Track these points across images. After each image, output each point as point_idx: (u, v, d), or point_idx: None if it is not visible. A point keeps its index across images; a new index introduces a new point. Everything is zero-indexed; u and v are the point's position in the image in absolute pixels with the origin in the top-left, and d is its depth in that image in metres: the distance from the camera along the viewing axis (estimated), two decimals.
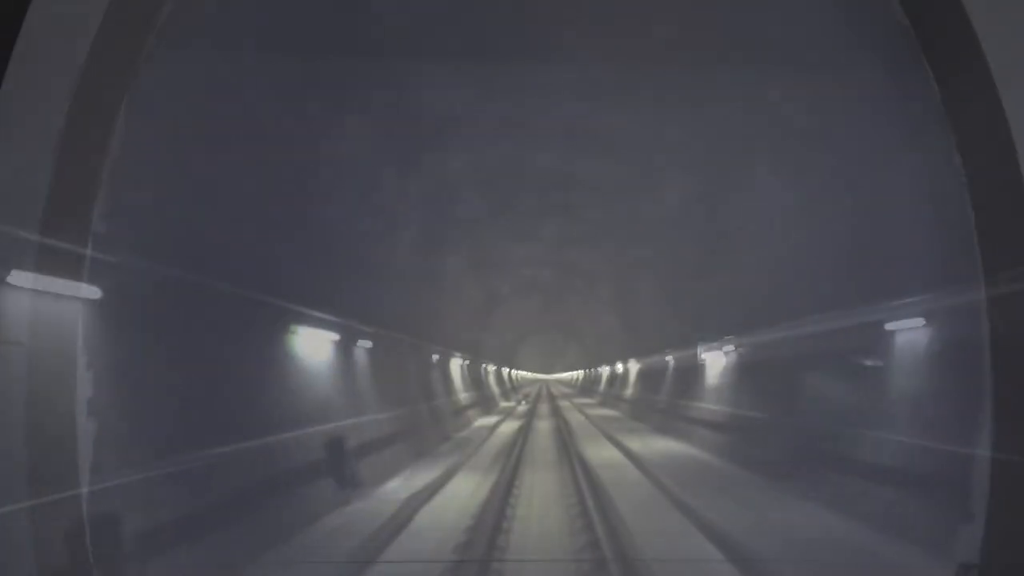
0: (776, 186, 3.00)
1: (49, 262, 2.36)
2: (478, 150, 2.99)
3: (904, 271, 2.77)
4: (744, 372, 4.07)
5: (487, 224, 3.50)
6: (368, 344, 4.42)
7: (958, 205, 2.73)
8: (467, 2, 2.61)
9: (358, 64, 2.68)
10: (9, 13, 2.15)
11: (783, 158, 2.91)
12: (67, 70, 2.31)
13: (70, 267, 2.48)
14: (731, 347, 4.98)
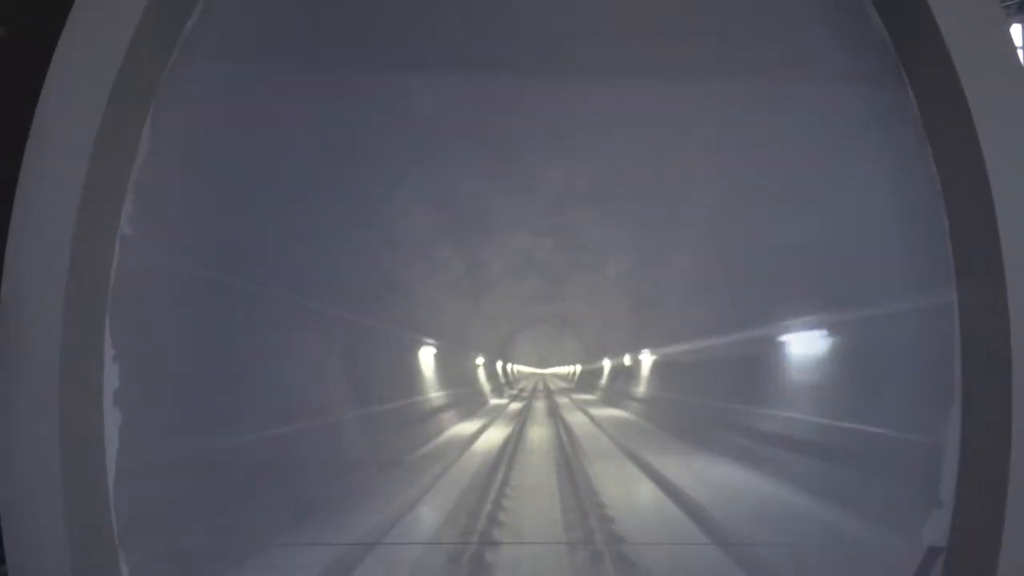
0: (764, 190, 3.17)
1: (82, 261, 2.55)
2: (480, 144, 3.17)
3: (878, 274, 2.95)
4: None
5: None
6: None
7: (935, 213, 2.91)
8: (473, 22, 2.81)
9: (369, 78, 2.85)
10: (47, 36, 2.34)
11: (770, 165, 3.08)
12: (98, 87, 2.50)
13: (101, 266, 2.68)
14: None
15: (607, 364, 3.52)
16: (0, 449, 2.45)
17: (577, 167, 3.12)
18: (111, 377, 2.73)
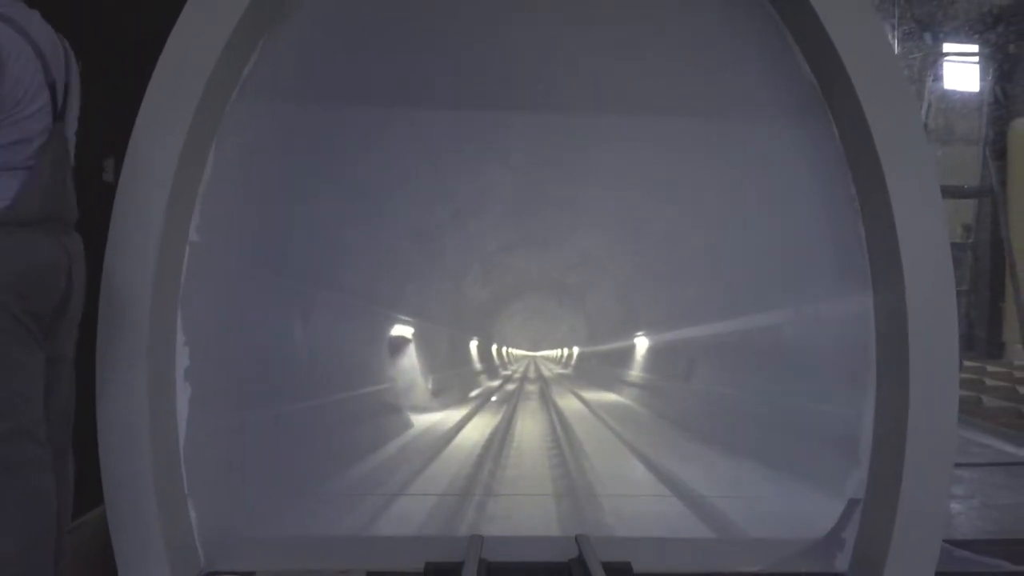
0: (714, 209, 3.76)
1: (162, 263, 3.16)
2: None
3: (808, 279, 3.57)
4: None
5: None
6: None
7: (854, 227, 3.53)
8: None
9: (389, 111, 3.47)
10: (140, 81, 2.96)
11: (717, 188, 3.68)
12: (180, 122, 3.09)
13: (175, 267, 3.29)
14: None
15: (575, 351, 4.09)
16: (102, 413, 3.01)
17: (548, 185, 3.74)
18: (182, 358, 3.31)
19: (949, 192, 4.99)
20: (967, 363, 9.43)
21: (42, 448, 2.48)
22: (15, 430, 2.40)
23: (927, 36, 10.28)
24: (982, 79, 5.17)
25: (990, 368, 8.57)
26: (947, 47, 10.70)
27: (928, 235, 3.22)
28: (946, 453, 3.24)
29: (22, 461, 2.41)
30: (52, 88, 2.36)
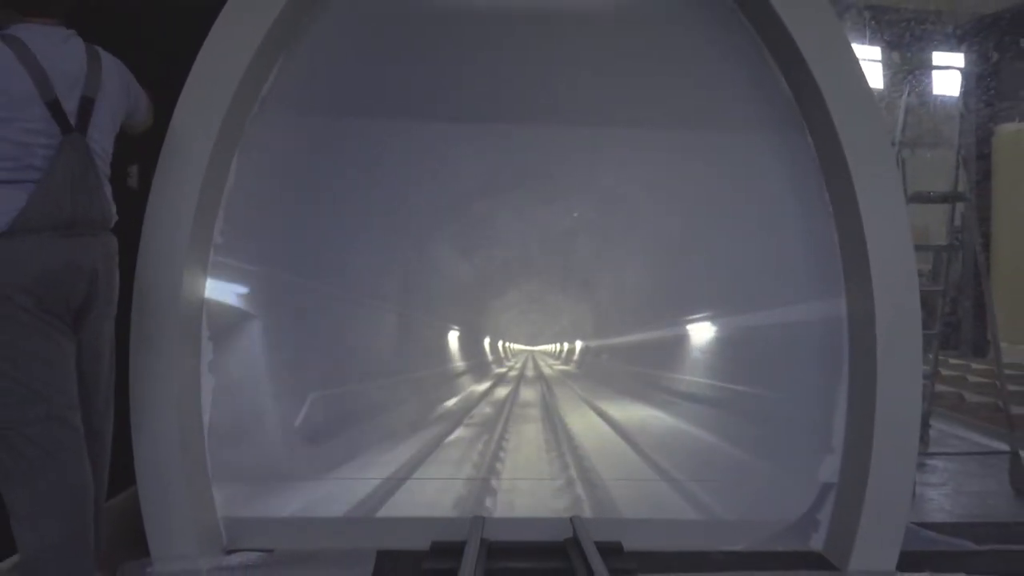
0: (700, 216, 3.99)
1: (190, 262, 3.42)
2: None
3: (787, 281, 3.82)
4: None
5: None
6: None
7: (828, 233, 3.80)
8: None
9: (401, 124, 3.74)
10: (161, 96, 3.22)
11: (702, 196, 3.92)
12: (208, 133, 3.36)
13: (201, 266, 3.56)
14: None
15: (576, 344, 4.34)
16: (136, 399, 3.28)
17: (544, 188, 3.97)
18: (207, 351, 3.59)
19: (918, 198, 5.24)
20: (952, 361, 9.70)
21: (76, 433, 2.64)
22: (47, 415, 2.55)
23: (894, 56, 10.80)
24: (960, 89, 5.50)
25: (974, 366, 8.84)
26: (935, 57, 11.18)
27: (893, 239, 3.47)
28: (910, 441, 3.50)
29: (57, 446, 2.56)
30: (53, 105, 2.48)
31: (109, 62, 2.77)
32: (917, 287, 3.50)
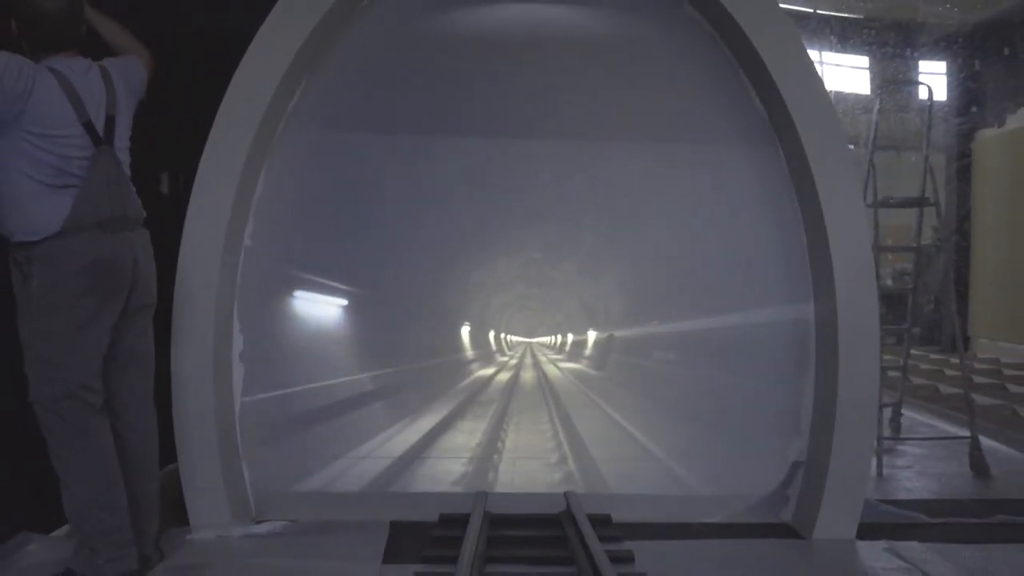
0: (681, 224, 4.29)
1: (225, 264, 3.81)
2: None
3: (760, 284, 4.13)
4: None
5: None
6: None
7: (799, 240, 4.18)
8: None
9: (412, 138, 4.09)
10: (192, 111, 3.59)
11: (682, 206, 4.20)
12: (240, 147, 3.74)
13: (233, 267, 3.95)
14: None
15: (570, 338, 4.71)
16: (177, 386, 3.66)
17: (540, 197, 4.29)
18: (238, 342, 3.95)
19: (883, 203, 5.61)
20: (932, 356, 10.11)
21: (100, 413, 2.93)
22: (73, 394, 2.83)
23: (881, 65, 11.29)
24: (928, 101, 5.82)
25: (952, 360, 9.22)
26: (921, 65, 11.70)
27: (855, 246, 3.82)
28: (869, 426, 3.88)
29: (82, 422, 2.86)
30: (88, 125, 2.85)
31: (116, 75, 3.05)
32: (875, 289, 3.85)
